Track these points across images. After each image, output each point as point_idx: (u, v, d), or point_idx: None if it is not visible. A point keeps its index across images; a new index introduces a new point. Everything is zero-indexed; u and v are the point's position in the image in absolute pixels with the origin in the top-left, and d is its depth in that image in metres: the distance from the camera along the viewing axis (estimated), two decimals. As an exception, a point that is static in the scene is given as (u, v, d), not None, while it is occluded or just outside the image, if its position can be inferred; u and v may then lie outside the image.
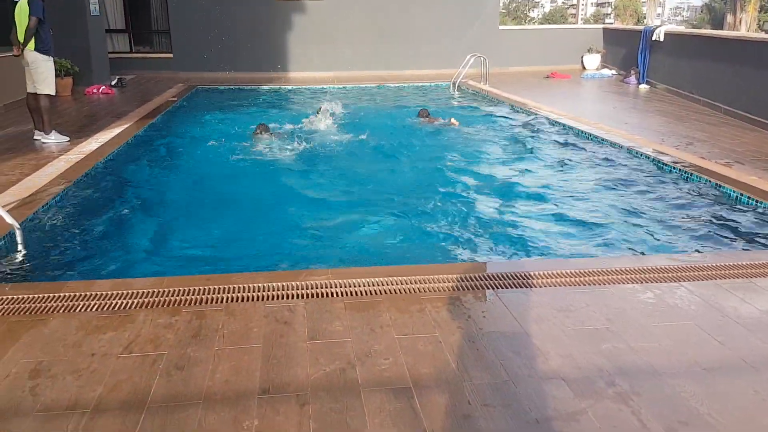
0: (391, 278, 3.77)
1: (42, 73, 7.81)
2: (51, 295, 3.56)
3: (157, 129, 9.48)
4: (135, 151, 8.01)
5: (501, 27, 18.33)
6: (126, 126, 9.11)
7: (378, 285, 3.69)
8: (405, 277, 3.78)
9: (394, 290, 3.63)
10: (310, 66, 16.94)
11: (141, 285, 3.72)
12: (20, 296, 3.53)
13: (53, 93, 8.01)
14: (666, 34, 13.77)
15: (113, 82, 13.83)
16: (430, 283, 3.73)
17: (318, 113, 10.45)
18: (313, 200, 6.26)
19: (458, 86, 14.29)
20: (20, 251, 4.46)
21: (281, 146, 8.55)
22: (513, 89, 13.51)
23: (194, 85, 14.78)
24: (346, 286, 3.66)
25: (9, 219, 4.54)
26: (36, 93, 7.88)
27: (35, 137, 8.05)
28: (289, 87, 14.89)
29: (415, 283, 3.72)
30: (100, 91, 12.80)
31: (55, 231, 5.02)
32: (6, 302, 3.45)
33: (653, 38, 14.02)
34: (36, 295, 3.55)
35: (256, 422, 2.44)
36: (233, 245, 4.97)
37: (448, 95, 13.89)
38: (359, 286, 3.67)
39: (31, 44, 7.66)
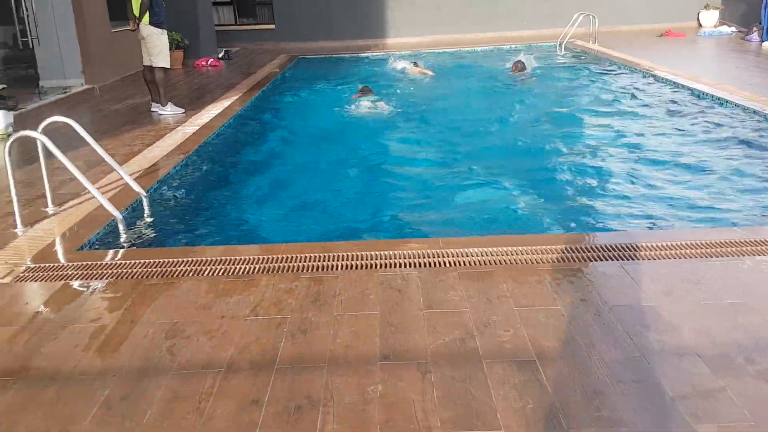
0: (505, 248, 3.69)
1: (157, 47, 8.17)
2: (180, 259, 3.75)
3: (263, 100, 9.75)
4: (244, 122, 8.28)
5: (609, -17, 17.31)
6: (235, 98, 9.42)
7: (492, 255, 3.62)
8: (520, 248, 3.69)
9: (509, 260, 3.55)
10: (408, 31, 16.79)
11: (261, 251, 3.85)
12: (152, 260, 3.75)
13: (168, 66, 8.37)
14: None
15: (220, 55, 14.32)
16: (547, 254, 3.61)
17: (411, 65, 11.29)
18: (417, 162, 6.28)
19: (564, 46, 13.70)
20: (147, 218, 4.74)
21: (383, 107, 8.66)
22: (625, 49, 12.76)
23: (296, 55, 15.05)
24: (458, 256, 3.62)
25: (136, 187, 4.82)
26: (152, 66, 8.27)
27: (152, 109, 8.49)
28: (387, 53, 14.84)
29: (531, 253, 3.62)
30: (209, 63, 13.29)
31: (176, 199, 5.30)
32: (140, 266, 3.68)
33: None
34: (166, 260, 3.76)
35: (380, 387, 2.47)
36: (343, 210, 5.05)
37: (554, 56, 13.35)
38: (472, 255, 3.62)
39: (146, 18, 8.00)
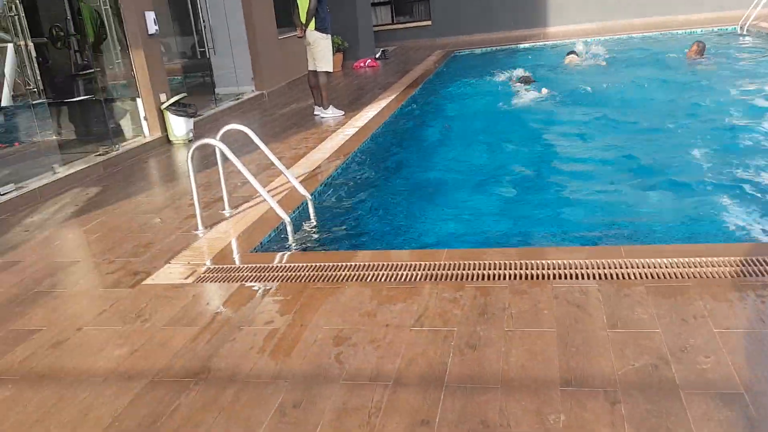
0: (700, 259, 3.26)
1: (321, 51, 8.42)
2: (343, 263, 3.77)
3: (420, 97, 9.74)
4: (401, 121, 8.31)
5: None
6: (392, 97, 9.50)
7: (685, 266, 3.21)
8: (718, 258, 3.24)
9: (706, 273, 3.13)
10: (569, 19, 15.99)
11: (423, 257, 3.76)
12: (318, 264, 3.80)
13: (331, 70, 8.61)
14: None
15: (377, 55, 14.60)
16: (752, 266, 3.14)
17: (571, 54, 11.14)
18: (588, 158, 5.87)
19: (747, 29, 12.25)
20: (312, 220, 4.85)
21: (546, 94, 8.38)
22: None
23: (452, 50, 14.95)
24: (645, 267, 3.26)
25: (302, 190, 4.96)
26: (316, 70, 8.55)
27: (315, 113, 8.78)
28: (548, 42, 14.25)
29: (733, 265, 3.16)
30: (366, 64, 13.59)
31: (338, 202, 5.38)
32: (307, 269, 3.75)
33: None
34: (331, 263, 3.79)
35: (562, 417, 2.25)
36: (509, 213, 4.83)
37: (735, 40, 11.99)
38: (661, 267, 3.24)
39: (312, 24, 8.27)
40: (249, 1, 10.43)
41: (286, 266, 3.84)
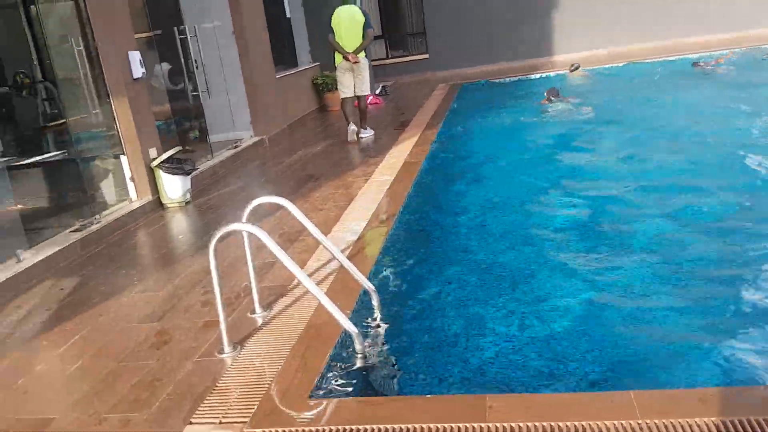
0: None
1: (367, 76, 8.86)
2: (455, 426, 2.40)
3: (448, 136, 8.53)
4: (441, 163, 7.23)
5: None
6: (415, 138, 8.21)
7: None
8: None
9: None
10: (576, 46, 14.99)
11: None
12: (409, 427, 2.43)
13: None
14: None
15: (378, 91, 13.41)
16: None
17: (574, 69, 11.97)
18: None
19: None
20: (379, 324, 3.49)
21: (574, 102, 9.03)
22: None
23: (457, 83, 13.85)
24: None
25: (366, 283, 3.62)
26: (357, 95, 8.83)
27: (361, 135, 8.79)
28: (552, 72, 13.33)
29: None
30: (369, 101, 12.37)
31: (404, 292, 4.04)
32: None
33: None
34: (428, 426, 2.43)
35: None
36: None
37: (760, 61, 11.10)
38: None
39: (362, 52, 8.55)
40: (243, 36, 9.17)
41: (374, 420, 2.46)
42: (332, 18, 8.46)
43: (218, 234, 3.06)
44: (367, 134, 8.85)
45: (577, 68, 12.40)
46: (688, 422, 2.23)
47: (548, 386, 2.85)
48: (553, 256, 4.33)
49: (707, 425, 2.20)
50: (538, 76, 13.59)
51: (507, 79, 13.80)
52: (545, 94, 9.82)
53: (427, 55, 16.19)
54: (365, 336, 3.28)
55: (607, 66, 13.16)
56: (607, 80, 11.82)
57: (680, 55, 12.97)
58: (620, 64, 13.16)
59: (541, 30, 15.24)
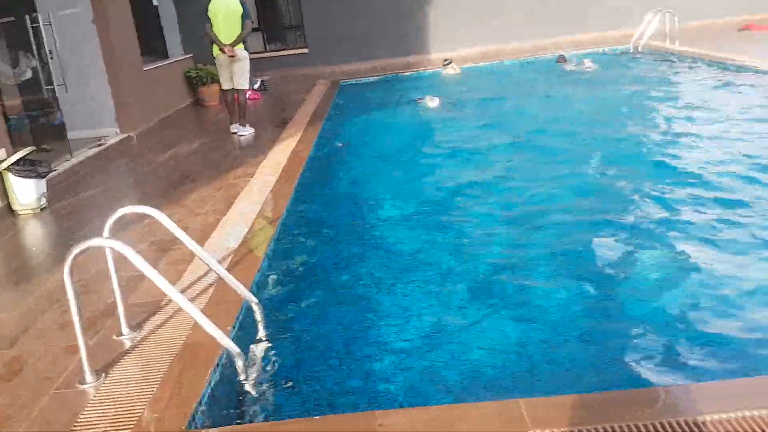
0: None
1: (246, 69, 8.52)
2: (364, 443, 2.27)
3: (331, 132, 8.40)
4: (326, 162, 7.07)
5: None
6: (298, 135, 7.98)
7: None
8: None
9: None
10: (457, 44, 15.31)
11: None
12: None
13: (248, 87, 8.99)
14: None
15: (256, 86, 12.97)
16: None
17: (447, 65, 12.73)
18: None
19: (638, 49, 12.28)
20: (264, 340, 3.28)
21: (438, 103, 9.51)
22: (710, 46, 11.26)
23: (337, 80, 13.72)
24: None
25: (248, 295, 3.38)
26: (236, 88, 8.55)
27: (232, 131, 8.63)
28: (431, 70, 13.63)
29: None
30: (248, 96, 11.92)
31: (288, 302, 3.85)
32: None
33: None
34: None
35: None
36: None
37: (628, 59, 11.96)
38: None
39: (241, 44, 8.26)
40: (106, 26, 8.47)
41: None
42: (209, 7, 8.09)
43: (74, 251, 2.71)
44: (247, 132, 8.53)
45: (449, 64, 12.95)
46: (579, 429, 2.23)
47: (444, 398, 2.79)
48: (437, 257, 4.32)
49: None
50: (415, 72, 13.82)
51: (386, 76, 13.89)
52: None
53: (306, 50, 15.88)
54: (247, 355, 3.05)
55: (480, 64, 13.63)
56: (478, 77, 12.42)
57: (548, 53, 13.70)
58: (493, 62, 13.70)
59: (420, 27, 15.45)
